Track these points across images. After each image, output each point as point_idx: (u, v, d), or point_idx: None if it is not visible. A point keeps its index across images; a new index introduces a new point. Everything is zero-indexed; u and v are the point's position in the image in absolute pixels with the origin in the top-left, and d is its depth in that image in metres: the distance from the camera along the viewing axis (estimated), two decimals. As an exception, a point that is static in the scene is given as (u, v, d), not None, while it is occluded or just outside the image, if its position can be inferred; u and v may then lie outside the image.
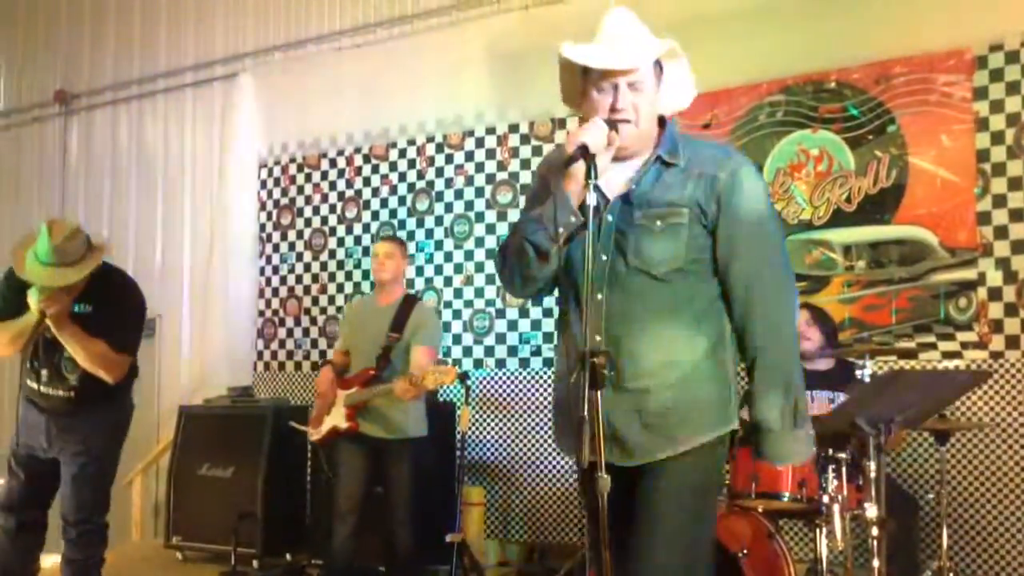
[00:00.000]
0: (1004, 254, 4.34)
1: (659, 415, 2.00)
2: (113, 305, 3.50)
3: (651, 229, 2.01)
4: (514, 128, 5.64)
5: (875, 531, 3.14)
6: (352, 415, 4.16)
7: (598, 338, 1.98)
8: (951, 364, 4.39)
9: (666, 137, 2.09)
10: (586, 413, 1.74)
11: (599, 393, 1.80)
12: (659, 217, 2.01)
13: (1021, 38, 4.35)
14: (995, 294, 4.35)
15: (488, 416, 5.54)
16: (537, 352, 5.47)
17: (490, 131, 5.72)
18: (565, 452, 2.15)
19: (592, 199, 1.89)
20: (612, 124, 1.98)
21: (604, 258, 2.01)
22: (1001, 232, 4.35)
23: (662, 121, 2.12)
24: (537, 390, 5.45)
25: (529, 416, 5.45)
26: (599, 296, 2.00)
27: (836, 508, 3.27)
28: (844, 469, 3.32)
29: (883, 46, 4.60)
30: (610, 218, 2.03)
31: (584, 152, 1.91)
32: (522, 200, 5.12)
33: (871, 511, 3.15)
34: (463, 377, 4.65)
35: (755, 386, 2.04)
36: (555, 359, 2.26)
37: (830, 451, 3.30)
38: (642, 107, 2.02)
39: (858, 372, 3.34)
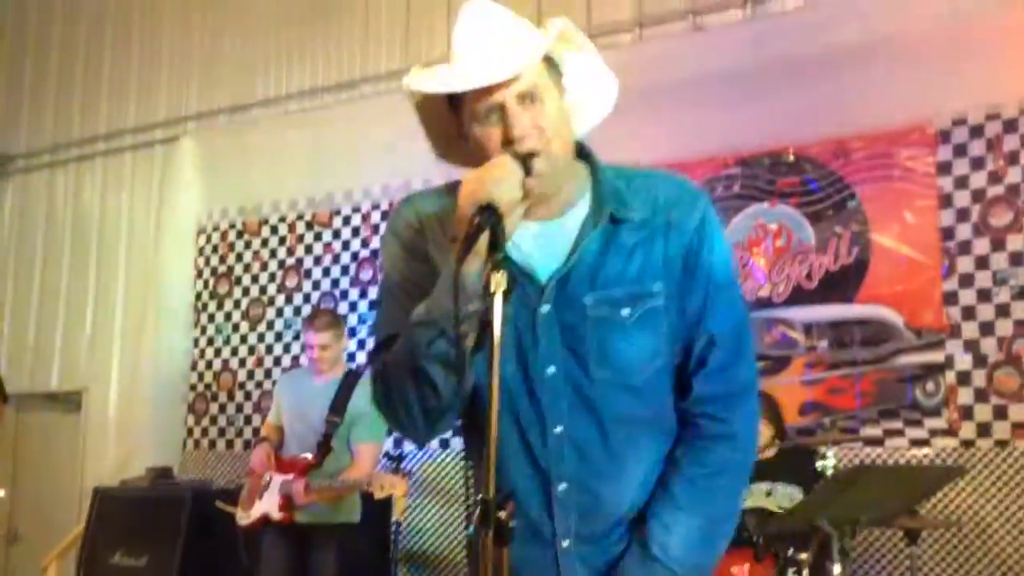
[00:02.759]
0: (973, 336, 4.11)
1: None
2: None
3: (618, 322, 1.44)
4: (463, 197, 5.41)
5: (840, 643, 2.84)
6: (286, 505, 3.94)
7: (563, 486, 1.46)
8: (919, 452, 4.14)
9: (605, 180, 1.50)
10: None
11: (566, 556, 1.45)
12: (626, 302, 1.44)
13: (984, 112, 4.21)
14: (964, 378, 4.11)
15: (427, 502, 5.15)
16: (483, 433, 5.14)
17: (438, 199, 5.49)
18: None
19: (503, 281, 1.27)
20: (523, 162, 1.37)
21: (552, 370, 1.44)
22: (969, 313, 4.13)
23: (580, 150, 1.52)
24: (482, 474, 5.10)
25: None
26: (557, 429, 1.45)
27: (797, 615, 2.99)
28: (806, 572, 3.05)
29: (842, 120, 4.45)
30: (546, 308, 1.44)
31: (492, 215, 1.30)
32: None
33: (836, 619, 2.85)
34: (397, 460, 4.40)
35: (676, 497, 1.48)
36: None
37: (791, 552, 3.06)
38: (547, 123, 1.41)
39: (819, 463, 3.08)
